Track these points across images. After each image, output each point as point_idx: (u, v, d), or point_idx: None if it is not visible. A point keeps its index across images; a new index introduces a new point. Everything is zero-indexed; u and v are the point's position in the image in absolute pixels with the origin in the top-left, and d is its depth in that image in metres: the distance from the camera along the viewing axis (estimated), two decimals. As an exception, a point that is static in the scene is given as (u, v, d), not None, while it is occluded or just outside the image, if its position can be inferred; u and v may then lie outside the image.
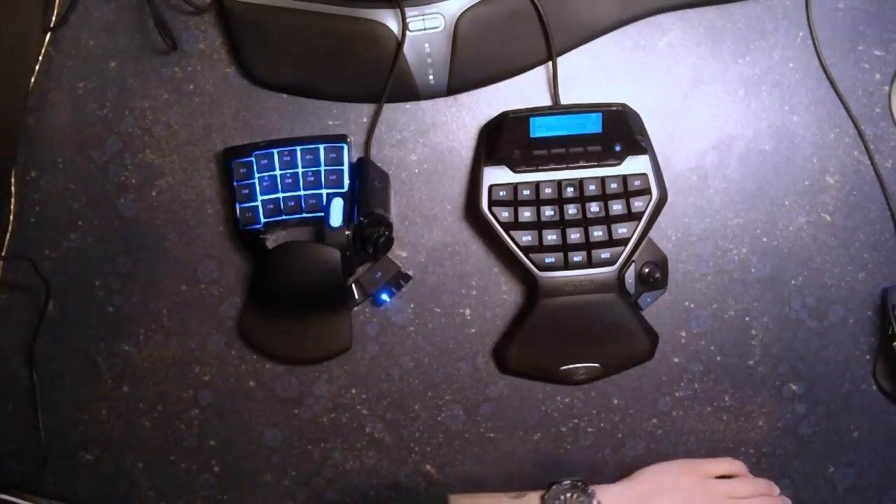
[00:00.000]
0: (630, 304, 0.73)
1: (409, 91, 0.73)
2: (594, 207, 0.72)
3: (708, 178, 0.76)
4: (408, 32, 0.71)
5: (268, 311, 0.74)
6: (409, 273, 0.75)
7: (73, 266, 0.75)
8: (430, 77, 0.73)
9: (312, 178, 0.72)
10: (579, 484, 0.68)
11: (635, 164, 0.72)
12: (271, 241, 0.74)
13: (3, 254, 0.74)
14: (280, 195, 0.72)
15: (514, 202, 0.71)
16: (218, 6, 0.73)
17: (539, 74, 0.75)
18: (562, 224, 0.72)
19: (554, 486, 0.68)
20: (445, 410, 0.76)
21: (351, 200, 0.71)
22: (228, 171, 0.73)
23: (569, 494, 0.67)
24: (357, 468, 0.76)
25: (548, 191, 0.71)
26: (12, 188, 0.74)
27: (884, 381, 0.75)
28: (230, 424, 0.76)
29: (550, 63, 0.74)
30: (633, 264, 0.73)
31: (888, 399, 0.76)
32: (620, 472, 0.74)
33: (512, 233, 0.72)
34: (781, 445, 0.76)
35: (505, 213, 0.72)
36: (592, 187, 0.71)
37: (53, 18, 0.74)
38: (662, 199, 0.72)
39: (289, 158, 0.72)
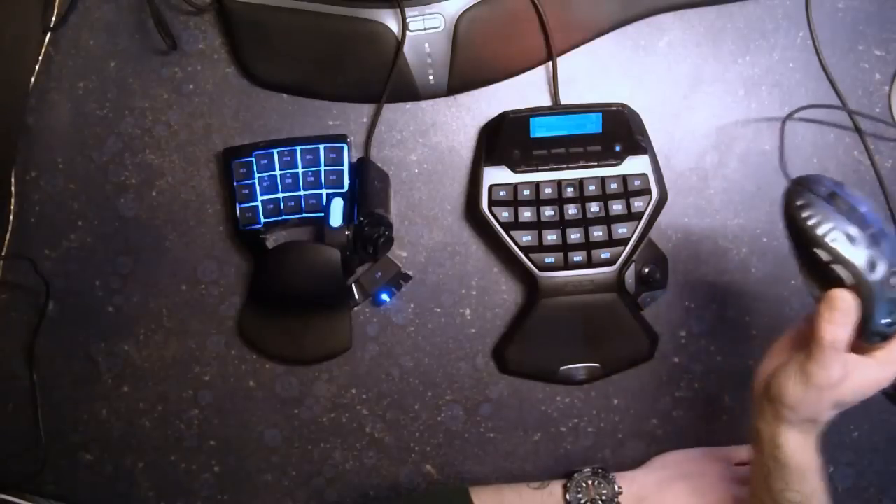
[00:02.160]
0: (630, 304, 0.73)
1: (409, 91, 0.73)
2: (594, 207, 0.72)
3: (708, 178, 0.76)
4: (408, 32, 0.71)
5: (268, 311, 0.74)
6: (409, 273, 0.75)
7: (73, 266, 0.75)
8: (430, 77, 0.73)
9: (312, 178, 0.72)
10: (600, 471, 0.70)
11: (635, 164, 0.72)
12: (271, 241, 0.74)
13: (3, 254, 0.74)
14: (280, 195, 0.72)
15: (514, 202, 0.71)
16: (218, 6, 0.73)
17: (539, 74, 0.75)
18: (562, 224, 0.72)
19: (575, 474, 0.70)
20: (445, 410, 0.76)
21: (351, 200, 0.71)
22: (228, 171, 0.73)
23: (590, 482, 0.69)
24: (357, 468, 0.76)
25: (548, 191, 0.71)
26: (12, 188, 0.74)
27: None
28: (230, 424, 0.76)
29: (550, 63, 0.74)
30: (633, 264, 0.73)
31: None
32: (621, 471, 0.74)
33: (512, 233, 0.72)
34: (781, 445, 0.76)
35: (505, 213, 0.72)
36: (592, 187, 0.71)
37: (53, 18, 0.74)
38: (662, 199, 0.72)
39: (289, 158, 0.72)
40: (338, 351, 0.75)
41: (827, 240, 0.53)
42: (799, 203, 0.55)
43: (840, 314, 0.53)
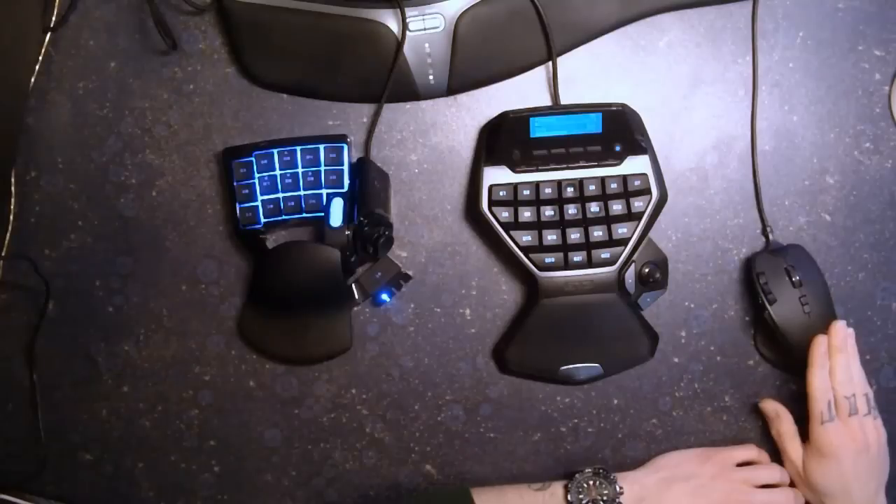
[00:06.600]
0: (630, 304, 0.73)
1: (409, 91, 0.73)
2: (594, 207, 0.72)
3: (708, 178, 0.76)
4: (408, 32, 0.71)
5: (268, 311, 0.74)
6: (409, 273, 0.75)
7: (73, 266, 0.75)
8: (430, 77, 0.73)
9: (312, 178, 0.72)
10: (601, 471, 0.70)
11: (635, 164, 0.72)
12: (271, 241, 0.74)
13: (3, 254, 0.74)
14: (280, 195, 0.72)
15: (514, 202, 0.71)
16: (218, 6, 0.73)
17: (539, 74, 0.75)
18: (562, 224, 0.72)
19: (577, 475, 0.70)
20: (445, 410, 0.76)
21: (351, 200, 0.71)
22: (228, 171, 0.73)
23: (592, 482, 0.69)
24: (357, 468, 0.76)
25: (548, 191, 0.71)
26: (12, 188, 0.74)
27: (764, 349, 0.75)
28: (230, 424, 0.76)
29: (550, 63, 0.74)
30: (633, 264, 0.73)
31: (771, 365, 0.76)
32: (621, 471, 0.74)
33: (512, 233, 0.72)
34: (781, 445, 0.76)
35: (505, 213, 0.72)
36: (592, 187, 0.71)
37: (53, 18, 0.74)
38: (662, 199, 0.72)
39: (289, 158, 0.72)
40: (338, 351, 0.75)
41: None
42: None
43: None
